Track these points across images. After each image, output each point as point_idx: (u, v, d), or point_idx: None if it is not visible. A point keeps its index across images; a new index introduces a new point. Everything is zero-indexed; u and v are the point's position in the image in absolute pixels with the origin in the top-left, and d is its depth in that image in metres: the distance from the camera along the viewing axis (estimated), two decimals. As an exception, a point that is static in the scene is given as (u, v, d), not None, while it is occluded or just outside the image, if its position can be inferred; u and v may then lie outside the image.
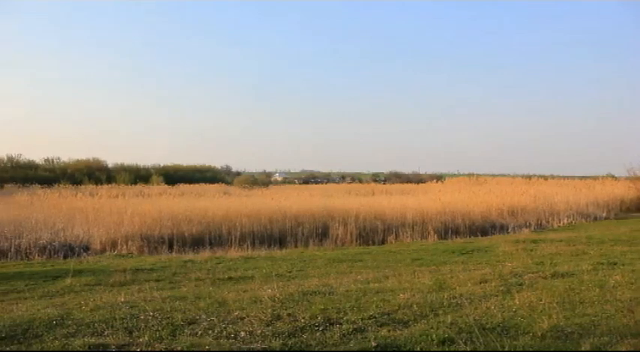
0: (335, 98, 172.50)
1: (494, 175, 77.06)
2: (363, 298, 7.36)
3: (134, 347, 5.19)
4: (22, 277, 11.09)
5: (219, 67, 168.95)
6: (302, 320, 6.08)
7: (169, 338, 5.49)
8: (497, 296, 7.45)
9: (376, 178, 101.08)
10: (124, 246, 16.87)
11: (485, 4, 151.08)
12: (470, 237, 21.21)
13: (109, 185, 55.04)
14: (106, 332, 5.74)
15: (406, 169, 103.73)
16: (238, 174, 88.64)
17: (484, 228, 23.28)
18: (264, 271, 11.54)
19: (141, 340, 5.39)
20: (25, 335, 5.66)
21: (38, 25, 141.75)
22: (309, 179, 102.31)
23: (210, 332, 5.70)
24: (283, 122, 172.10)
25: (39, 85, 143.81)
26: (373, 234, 20.88)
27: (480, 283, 8.60)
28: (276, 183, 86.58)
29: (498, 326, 5.82)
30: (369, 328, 5.83)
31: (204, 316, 6.38)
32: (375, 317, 6.23)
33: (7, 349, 5.17)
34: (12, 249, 15.93)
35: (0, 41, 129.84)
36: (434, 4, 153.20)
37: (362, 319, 6.15)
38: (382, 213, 22.58)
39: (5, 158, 71.00)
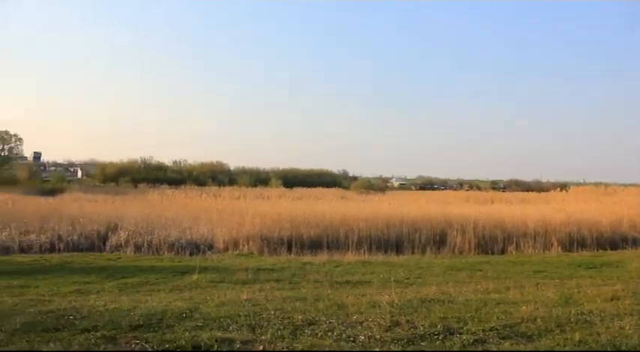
0: (458, 103, 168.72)
1: (625, 185, 71.69)
2: (484, 308, 7.16)
3: (257, 344, 5.37)
4: (154, 271, 11.84)
5: (342, 73, 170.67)
6: (421, 328, 6.02)
7: (290, 337, 5.63)
8: (632, 315, 6.94)
9: (495, 186, 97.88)
10: (245, 246, 17.49)
11: None
12: (597, 250, 19.96)
13: (231, 187, 57.36)
14: (230, 328, 5.99)
15: (527, 177, 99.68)
16: (355, 179, 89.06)
17: (614, 240, 21.77)
18: (381, 276, 11.55)
19: (264, 337, 5.57)
20: (160, 325, 6.04)
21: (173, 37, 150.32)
22: (426, 185, 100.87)
23: (329, 334, 5.78)
24: (401, 128, 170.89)
25: (175, 91, 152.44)
26: (492, 243, 20.23)
27: (612, 300, 8.07)
28: (393, 188, 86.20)
29: (635, 349, 5.44)
30: (491, 340, 5.66)
31: (323, 318, 6.48)
32: (496, 329, 6.03)
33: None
34: (145, 245, 17.04)
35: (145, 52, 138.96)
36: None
37: (483, 330, 5.98)
38: (502, 221, 21.81)
39: (139, 160, 76.03)
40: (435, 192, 73.40)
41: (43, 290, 9.24)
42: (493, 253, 19.11)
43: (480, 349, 5.37)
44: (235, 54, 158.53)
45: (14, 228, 17.48)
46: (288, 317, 6.44)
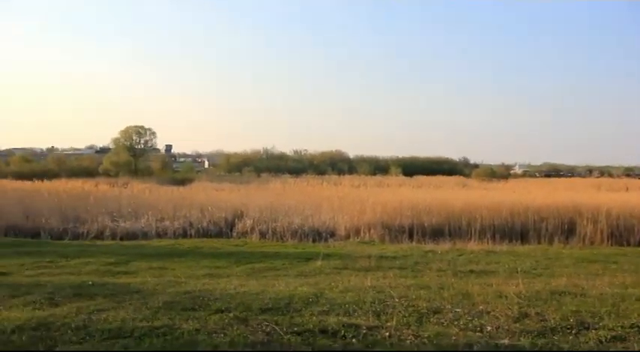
0: (590, 86, 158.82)
1: None
2: (622, 304, 6.73)
3: (383, 331, 5.42)
4: (279, 257, 12.24)
5: (463, 60, 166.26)
6: (552, 321, 5.79)
7: (416, 325, 5.63)
8: None
9: (629, 173, 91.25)
10: (367, 234, 17.60)
11: None
12: None
13: (351, 175, 57.88)
14: (356, 313, 6.09)
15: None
16: (476, 166, 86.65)
17: None
18: (506, 266, 11.21)
19: (389, 324, 5.61)
20: (288, 309, 6.26)
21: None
22: (551, 172, 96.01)
23: (455, 323, 5.72)
24: (523, 113, 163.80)
25: (297, 81, 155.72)
26: (628, 234, 18.90)
27: None
28: (516, 176, 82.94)
29: None
30: (632, 338, 5.32)
31: (448, 306, 6.41)
32: (638, 327, 5.65)
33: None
34: (269, 231, 17.64)
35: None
36: None
37: (622, 327, 5.63)
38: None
39: (261, 150, 78.69)
40: (561, 179, 69.65)
41: (179, 273, 9.85)
42: (629, 244, 17.88)
43: (620, 347, 5.08)
44: (356, 43, 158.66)
45: (151, 215, 18.73)
46: (413, 305, 6.43)
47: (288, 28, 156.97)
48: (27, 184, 30.42)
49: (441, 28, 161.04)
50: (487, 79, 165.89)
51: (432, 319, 5.87)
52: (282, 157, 78.62)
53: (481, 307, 6.37)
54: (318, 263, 10.85)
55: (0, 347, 5.14)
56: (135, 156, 63.37)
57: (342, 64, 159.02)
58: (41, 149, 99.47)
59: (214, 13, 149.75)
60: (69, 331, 5.52)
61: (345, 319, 5.76)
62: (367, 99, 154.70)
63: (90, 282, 8.24)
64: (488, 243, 16.56)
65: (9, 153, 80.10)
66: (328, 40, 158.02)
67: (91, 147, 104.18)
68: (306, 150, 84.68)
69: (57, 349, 5.04)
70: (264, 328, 5.52)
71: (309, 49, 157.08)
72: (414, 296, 6.94)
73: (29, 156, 75.91)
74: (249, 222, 18.45)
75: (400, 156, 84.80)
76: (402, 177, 56.75)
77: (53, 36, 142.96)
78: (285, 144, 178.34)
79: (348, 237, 17.61)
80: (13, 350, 5.10)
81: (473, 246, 15.33)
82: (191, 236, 17.32)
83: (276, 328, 5.48)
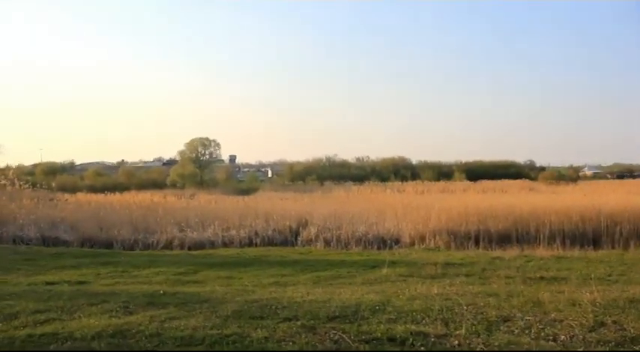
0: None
1: None
2: None
3: (452, 339, 5.34)
4: (344, 265, 12.26)
5: (524, 61, 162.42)
6: (631, 330, 5.54)
7: (485, 333, 5.52)
8: None
9: None
10: (432, 240, 17.41)
11: None
12: None
13: (414, 181, 57.32)
14: (424, 321, 6.02)
15: None
16: (542, 169, 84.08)
17: None
18: (578, 273, 10.85)
19: (458, 332, 5.53)
20: (355, 317, 6.26)
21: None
22: (624, 173, 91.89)
23: (527, 331, 5.57)
24: (593, 111, 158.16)
25: (357, 89, 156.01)
26: None
27: None
28: (585, 178, 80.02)
29: None
30: None
31: (519, 314, 6.25)
32: None
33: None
34: (334, 239, 17.69)
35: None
36: None
37: None
38: None
39: (324, 158, 79.02)
40: (635, 180, 66.71)
41: (247, 281, 10.03)
42: None
43: None
44: (415, 48, 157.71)
45: (217, 225, 19.13)
46: (482, 313, 6.31)
47: (349, 35, 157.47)
48: (100, 197, 31.68)
49: (503, 29, 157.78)
50: (552, 77, 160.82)
51: (501, 327, 5.74)
52: (344, 165, 78.65)
53: (553, 315, 6.18)
54: (384, 270, 10.80)
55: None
56: (200, 168, 64.89)
57: (403, 70, 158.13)
58: (112, 163, 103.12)
59: (274, 23, 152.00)
60: (143, 338, 5.70)
61: (413, 327, 5.71)
62: (428, 104, 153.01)
63: (161, 291, 8.50)
64: (558, 248, 16.06)
65: (83, 168, 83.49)
66: (387, 46, 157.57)
67: (158, 160, 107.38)
68: (368, 157, 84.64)
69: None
70: (332, 336, 5.54)
71: (369, 56, 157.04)
72: (482, 304, 6.81)
73: (101, 170, 78.97)
74: (313, 231, 18.59)
75: (464, 160, 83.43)
76: (466, 182, 55.75)
77: (122, 54, 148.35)
78: (348, 151, 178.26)
79: (412, 244, 17.46)
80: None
81: (542, 252, 14.91)
82: (257, 245, 17.57)
83: (344, 336, 5.48)
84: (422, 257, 13.90)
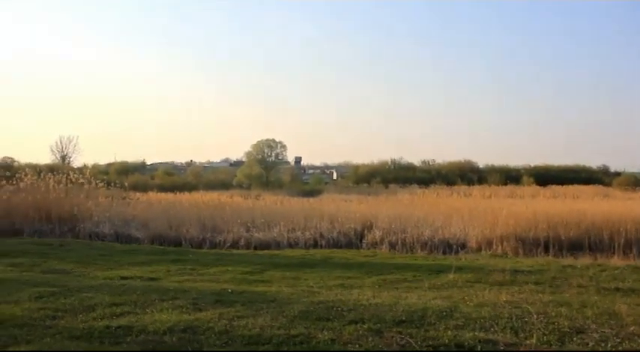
0: None
1: None
2: None
3: (522, 348, 5.24)
4: (410, 268, 12.16)
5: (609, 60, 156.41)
6: None
7: (557, 344, 5.38)
8: None
9: None
10: (499, 246, 17.02)
11: None
12: None
13: (480, 185, 56.26)
14: (492, 329, 5.93)
15: None
16: (618, 174, 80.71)
17: None
18: (659, 284, 10.37)
19: (528, 342, 5.42)
20: (422, 322, 6.23)
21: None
22: None
23: (602, 344, 5.40)
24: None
25: (426, 90, 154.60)
26: None
27: None
28: (666, 183, 76.11)
29: None
30: None
31: (593, 326, 6.05)
32: None
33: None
34: (399, 243, 17.57)
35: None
36: None
37: None
38: None
39: (389, 161, 78.70)
40: None
41: (312, 283, 10.09)
42: None
43: None
44: (485, 50, 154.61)
45: (283, 226, 19.34)
46: (553, 323, 6.15)
47: (419, 37, 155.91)
48: (169, 196, 32.59)
49: (576, 30, 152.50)
50: (627, 76, 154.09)
51: (575, 339, 5.58)
52: (409, 168, 78.01)
53: (632, 329, 5.95)
54: (450, 275, 10.65)
55: (152, 346, 5.56)
56: (266, 169, 65.90)
57: (470, 72, 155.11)
58: (181, 163, 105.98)
59: (344, 24, 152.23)
60: (213, 335, 5.86)
61: (481, 334, 5.63)
62: (495, 106, 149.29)
63: (229, 290, 8.68)
64: (634, 258, 15.38)
65: (153, 167, 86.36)
66: (454, 48, 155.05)
67: (225, 161, 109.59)
68: (433, 160, 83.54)
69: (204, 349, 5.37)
70: (398, 341, 5.53)
71: (436, 59, 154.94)
72: (553, 314, 6.62)
73: (171, 170, 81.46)
74: (378, 234, 18.52)
75: (532, 164, 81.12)
76: (535, 187, 54.14)
77: (189, 55, 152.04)
78: (413, 154, 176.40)
79: (479, 249, 17.14)
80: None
81: (617, 261, 14.30)
82: (321, 246, 17.66)
83: (411, 341, 5.47)
84: (489, 263, 13.62)
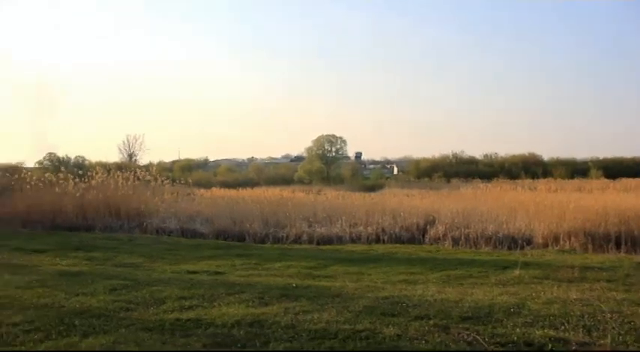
0: None
1: None
2: None
3: (596, 348, 5.09)
4: (475, 264, 11.96)
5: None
6: None
7: (635, 345, 5.19)
8: None
9: None
10: (567, 242, 16.50)
11: None
12: None
13: (545, 179, 54.71)
14: (562, 327, 5.78)
15: None
16: (699, 166, 76.73)
17: None
18: None
19: (602, 341, 5.25)
20: (489, 318, 6.14)
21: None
22: None
23: (682, 344, 5.18)
24: None
25: (486, 80, 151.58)
26: None
27: None
28: None
29: None
30: None
31: (672, 326, 5.82)
32: None
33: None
34: (462, 238, 17.29)
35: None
36: None
37: None
38: None
39: (450, 154, 77.58)
40: None
41: (376, 278, 10.09)
42: None
43: None
44: (544, 39, 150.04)
45: (345, 221, 19.36)
46: (629, 322, 5.93)
47: (473, 30, 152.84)
48: (232, 192, 33.17)
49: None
50: None
51: (656, 339, 5.37)
52: (471, 161, 76.68)
53: None
54: (516, 271, 10.41)
55: (221, 339, 5.69)
56: (327, 164, 66.16)
57: (532, 61, 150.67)
58: (242, 159, 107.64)
59: (401, 20, 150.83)
60: (279, 329, 5.95)
61: (551, 332, 5.50)
62: (559, 97, 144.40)
63: (294, 284, 8.79)
64: None
65: (216, 164, 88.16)
66: (517, 39, 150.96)
67: (286, 156, 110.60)
68: (496, 153, 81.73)
69: (270, 345, 5.46)
70: (465, 337, 5.47)
71: (496, 49, 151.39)
72: (629, 313, 6.39)
73: (233, 166, 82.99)
74: (441, 229, 18.27)
75: (602, 157, 78.22)
76: (604, 180, 52.21)
77: (249, 53, 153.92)
78: (475, 147, 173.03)
79: (545, 245, 16.65)
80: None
81: (699, 258, 13.67)
82: (384, 241, 17.58)
83: (478, 338, 5.40)
84: (556, 259, 13.26)
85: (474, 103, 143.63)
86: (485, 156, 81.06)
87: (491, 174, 63.46)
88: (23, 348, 5.52)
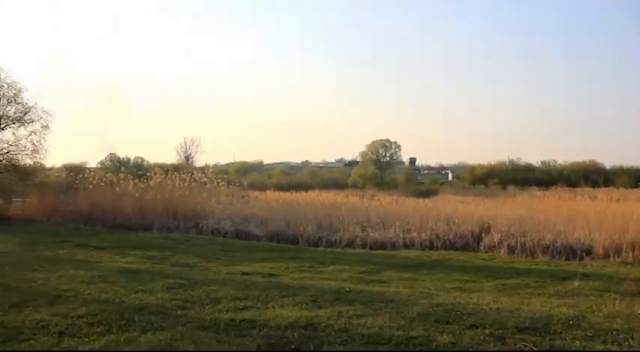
0: None
1: None
2: None
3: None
4: (531, 274, 11.69)
5: None
6: None
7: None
8: None
9: None
10: (630, 254, 15.88)
11: None
12: None
13: (607, 188, 53.01)
14: (626, 343, 5.62)
15: None
16: None
17: None
18: None
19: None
20: (546, 330, 6.00)
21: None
22: None
23: None
24: None
25: (540, 88, 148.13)
26: None
27: None
28: None
29: None
30: None
31: None
32: None
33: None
34: (518, 246, 16.92)
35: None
36: None
37: None
38: None
39: (507, 161, 76.07)
40: None
41: (429, 285, 9.99)
42: None
43: None
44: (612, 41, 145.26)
45: (398, 226, 19.24)
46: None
47: (538, 32, 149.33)
48: (286, 195, 33.47)
49: None
50: None
51: None
52: (528, 168, 74.99)
53: None
54: (576, 283, 10.13)
55: (275, 340, 5.75)
56: (381, 169, 65.96)
57: (596, 65, 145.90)
58: (297, 163, 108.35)
59: (460, 24, 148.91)
60: (332, 332, 5.98)
61: (614, 348, 5.34)
62: (622, 103, 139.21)
63: (347, 289, 8.80)
64: None
65: (270, 167, 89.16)
66: (574, 42, 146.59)
67: (340, 161, 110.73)
68: (554, 160, 79.63)
69: (323, 348, 5.49)
70: (522, 348, 5.37)
71: (555, 52, 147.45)
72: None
73: (287, 169, 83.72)
74: (496, 236, 17.92)
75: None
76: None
77: (301, 56, 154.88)
78: (532, 154, 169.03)
79: (607, 256, 16.08)
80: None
81: None
82: (437, 248, 17.38)
83: (535, 350, 5.28)
84: (618, 271, 12.83)
85: (532, 108, 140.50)
86: (543, 163, 79.09)
87: (549, 181, 61.84)
88: (87, 340, 5.73)
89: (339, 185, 57.56)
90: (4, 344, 5.62)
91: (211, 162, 71.70)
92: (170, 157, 78.46)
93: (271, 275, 10.92)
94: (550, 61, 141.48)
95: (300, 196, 32.10)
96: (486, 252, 16.91)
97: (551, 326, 6.17)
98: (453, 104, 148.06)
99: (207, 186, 25.35)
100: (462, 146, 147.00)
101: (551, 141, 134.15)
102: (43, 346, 5.53)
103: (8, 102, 23.32)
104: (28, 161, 23.95)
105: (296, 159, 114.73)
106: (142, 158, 62.81)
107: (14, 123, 23.53)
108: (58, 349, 5.56)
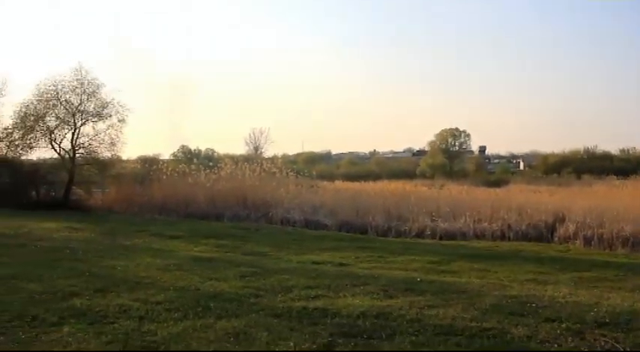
0: None
1: None
2: None
3: None
4: (610, 267, 11.29)
5: None
6: None
7: None
8: None
9: None
10: None
11: None
12: None
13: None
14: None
15: None
16: None
17: None
18: None
19: None
20: (628, 326, 5.80)
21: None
22: None
23: None
24: None
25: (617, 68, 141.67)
26: None
27: None
28: None
29: None
30: None
31: None
32: None
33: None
34: (595, 238, 16.33)
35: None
36: None
37: None
38: None
39: (582, 150, 73.30)
40: None
41: (502, 276, 9.83)
42: None
43: None
44: None
45: (469, 216, 18.92)
46: None
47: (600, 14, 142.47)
48: (355, 184, 33.43)
49: None
50: None
51: None
52: (605, 157, 71.93)
53: None
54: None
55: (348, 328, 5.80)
56: (450, 158, 65.02)
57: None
58: (364, 153, 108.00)
59: (528, 12, 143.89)
60: (404, 322, 5.98)
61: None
62: None
63: (418, 278, 8.77)
64: None
65: (338, 157, 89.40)
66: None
67: (408, 150, 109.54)
68: (634, 148, 76.09)
69: (395, 338, 5.50)
70: (602, 344, 5.21)
71: (625, 33, 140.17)
72: None
73: (355, 159, 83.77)
74: (571, 227, 17.35)
75: None
76: None
77: (372, 44, 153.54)
78: (610, 142, 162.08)
79: (694, 249, 15.34)
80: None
81: None
82: (509, 238, 17.03)
83: (618, 346, 5.11)
84: None
85: (609, 93, 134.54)
86: (622, 151, 75.67)
87: (629, 170, 59.01)
88: (165, 325, 5.95)
89: (407, 175, 56.97)
90: (91, 325, 5.92)
91: (280, 153, 72.50)
92: (239, 148, 79.98)
93: (341, 264, 11.00)
94: (629, 40, 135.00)
95: (369, 186, 31.99)
96: (561, 244, 16.46)
97: (634, 322, 5.95)
98: (524, 90, 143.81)
99: (277, 176, 25.71)
100: (534, 134, 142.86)
101: (630, 128, 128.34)
102: (125, 329, 5.78)
103: (88, 98, 24.27)
104: (107, 154, 24.87)
105: (364, 148, 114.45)
106: (212, 149, 64.34)
107: (94, 118, 24.49)
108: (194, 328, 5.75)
